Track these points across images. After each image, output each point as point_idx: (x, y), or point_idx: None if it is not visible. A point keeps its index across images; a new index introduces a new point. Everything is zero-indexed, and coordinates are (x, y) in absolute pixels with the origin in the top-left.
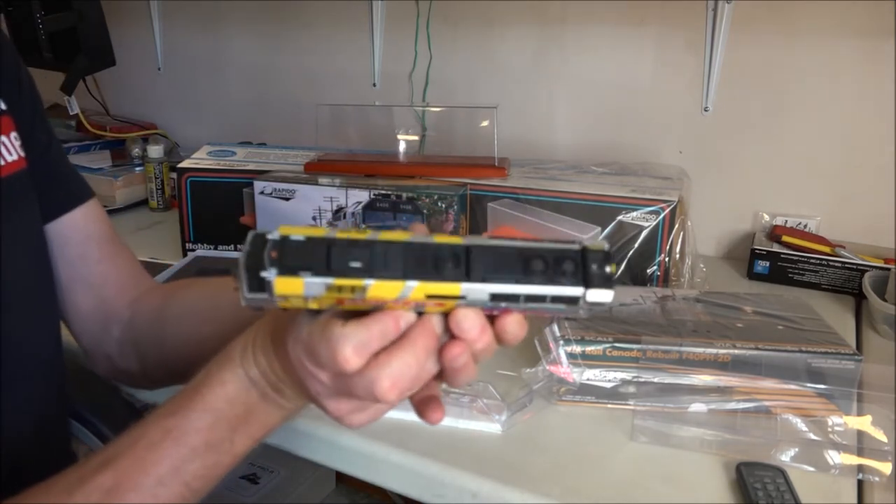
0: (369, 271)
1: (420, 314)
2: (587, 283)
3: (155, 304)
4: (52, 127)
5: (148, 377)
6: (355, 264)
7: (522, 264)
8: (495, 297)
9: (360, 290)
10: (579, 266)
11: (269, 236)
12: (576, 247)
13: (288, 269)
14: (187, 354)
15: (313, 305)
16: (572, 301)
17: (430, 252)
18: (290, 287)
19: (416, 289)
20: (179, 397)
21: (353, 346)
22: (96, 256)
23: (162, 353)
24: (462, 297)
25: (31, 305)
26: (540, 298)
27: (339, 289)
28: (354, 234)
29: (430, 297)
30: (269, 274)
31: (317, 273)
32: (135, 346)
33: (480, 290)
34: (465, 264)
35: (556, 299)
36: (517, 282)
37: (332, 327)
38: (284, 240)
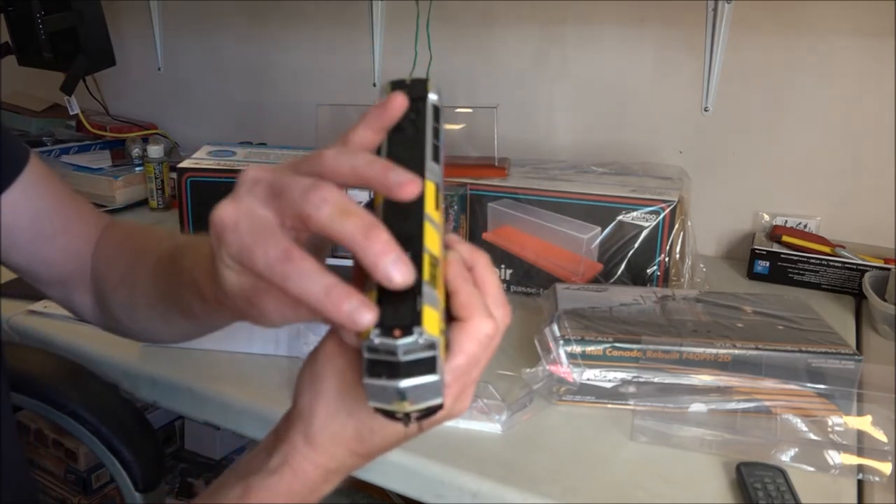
0: (414, 245)
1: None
2: (427, 90)
3: (114, 245)
4: None
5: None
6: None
7: (409, 133)
8: (435, 157)
9: (437, 259)
10: (415, 98)
11: (375, 339)
12: (404, 92)
13: (410, 318)
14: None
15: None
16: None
17: (399, 205)
18: (432, 318)
19: (430, 213)
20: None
21: (484, 308)
22: (49, 233)
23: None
24: (437, 185)
25: None
26: (436, 131)
27: (434, 265)
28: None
29: (436, 207)
30: (419, 334)
31: (416, 290)
32: (102, 294)
33: (431, 167)
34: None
35: (434, 115)
36: (421, 135)
37: (463, 326)
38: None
